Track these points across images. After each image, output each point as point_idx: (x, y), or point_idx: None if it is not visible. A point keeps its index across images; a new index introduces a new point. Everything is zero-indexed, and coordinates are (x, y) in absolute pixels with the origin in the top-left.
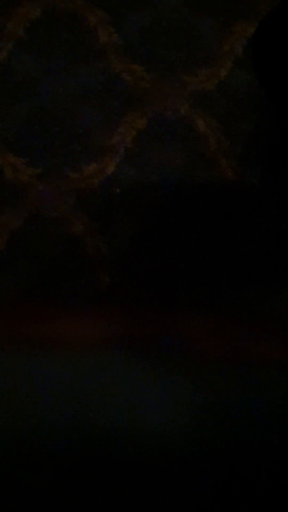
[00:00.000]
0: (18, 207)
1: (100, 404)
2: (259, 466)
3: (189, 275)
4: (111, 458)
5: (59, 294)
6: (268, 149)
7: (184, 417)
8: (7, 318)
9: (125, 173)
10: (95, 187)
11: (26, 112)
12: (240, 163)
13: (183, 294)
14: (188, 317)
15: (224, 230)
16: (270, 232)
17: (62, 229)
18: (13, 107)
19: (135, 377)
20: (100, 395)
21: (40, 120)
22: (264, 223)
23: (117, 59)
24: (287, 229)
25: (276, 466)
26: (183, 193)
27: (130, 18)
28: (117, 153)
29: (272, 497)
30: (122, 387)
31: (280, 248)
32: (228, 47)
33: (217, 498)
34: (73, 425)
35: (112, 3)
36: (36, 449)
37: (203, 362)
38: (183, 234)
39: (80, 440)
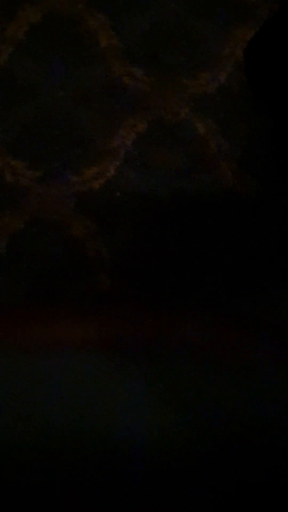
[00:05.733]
0: (18, 210)
1: (100, 405)
2: (259, 466)
3: (188, 277)
4: (110, 456)
5: (59, 296)
6: (268, 152)
7: (183, 418)
8: (8, 319)
9: (125, 176)
10: (96, 190)
11: (26, 115)
12: (240, 166)
13: (183, 296)
14: (187, 320)
15: (224, 233)
16: (270, 234)
17: (63, 232)
18: (14, 110)
19: (135, 379)
20: (100, 396)
21: (40, 123)
22: (264, 225)
23: (118, 63)
24: (287, 231)
25: (276, 466)
26: (183, 196)
27: (131, 22)
28: (118, 156)
29: (271, 498)
30: (121, 388)
31: (280, 251)
32: (228, 51)
33: (216, 500)
34: (73, 425)
35: (113, 7)
36: (36, 447)
37: (201, 365)
38: (183, 237)
39: (80, 439)
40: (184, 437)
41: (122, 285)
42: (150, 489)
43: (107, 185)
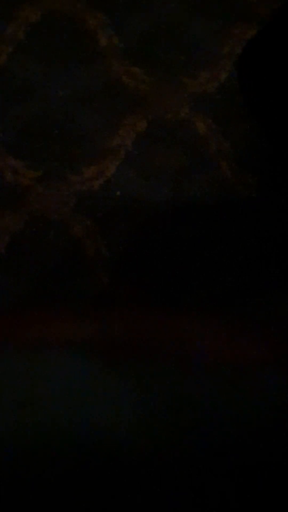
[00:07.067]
0: (18, 209)
1: (99, 404)
2: (258, 466)
3: (188, 277)
4: (108, 456)
5: (59, 295)
6: (268, 152)
7: (182, 418)
8: (8, 319)
9: (125, 176)
10: (96, 190)
11: (26, 115)
12: (240, 165)
13: (182, 296)
14: (187, 320)
15: (224, 233)
16: (270, 234)
17: (63, 232)
18: (13, 110)
19: (134, 379)
20: (98, 396)
21: (40, 123)
22: (264, 225)
23: (117, 62)
24: (287, 231)
25: (276, 466)
26: (183, 195)
27: (130, 21)
28: (118, 156)
29: (268, 498)
30: (121, 388)
31: (280, 251)
32: (228, 50)
33: (214, 500)
34: (72, 424)
35: (112, 6)
36: (35, 444)
37: (201, 364)
38: (183, 237)
39: (79, 439)
40: (183, 437)
41: (122, 285)
42: (146, 488)
43: (107, 185)
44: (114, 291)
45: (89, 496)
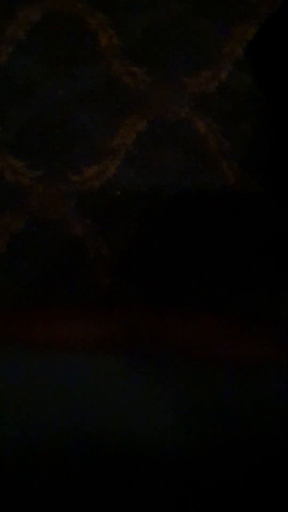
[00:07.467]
0: (19, 209)
1: (99, 405)
2: (259, 465)
3: (189, 277)
4: (108, 457)
5: (59, 296)
6: (269, 151)
7: (182, 419)
8: (8, 319)
9: (126, 176)
10: (96, 190)
11: (26, 115)
12: (241, 165)
13: (183, 296)
14: (188, 320)
15: (225, 233)
16: (272, 234)
17: (63, 232)
18: (14, 110)
19: (135, 379)
20: (99, 397)
21: (40, 123)
22: (265, 225)
23: (118, 62)
24: (287, 230)
25: (276, 464)
26: (183, 195)
27: (131, 21)
28: (118, 156)
29: (274, 497)
30: (121, 388)
31: (281, 250)
32: (228, 49)
33: (215, 500)
34: (72, 425)
35: (113, 6)
36: (35, 448)
37: (202, 365)
38: (184, 237)
39: (79, 439)
40: (185, 437)
41: (123, 285)
42: (150, 488)
43: (108, 185)
44: (114, 290)
45: (93, 500)
